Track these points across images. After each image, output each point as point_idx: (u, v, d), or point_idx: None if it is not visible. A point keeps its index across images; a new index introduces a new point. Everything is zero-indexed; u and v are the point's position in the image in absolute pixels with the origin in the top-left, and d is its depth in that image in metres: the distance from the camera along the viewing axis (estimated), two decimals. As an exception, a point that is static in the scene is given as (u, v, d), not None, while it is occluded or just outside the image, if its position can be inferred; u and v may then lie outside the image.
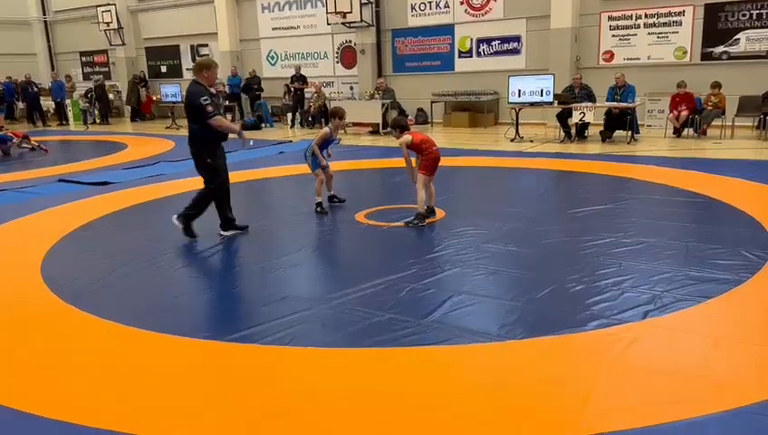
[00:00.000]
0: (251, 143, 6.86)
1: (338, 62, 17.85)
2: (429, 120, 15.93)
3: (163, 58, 21.61)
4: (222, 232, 5.88)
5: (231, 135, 5.78)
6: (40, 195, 8.00)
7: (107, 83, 21.33)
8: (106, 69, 23.17)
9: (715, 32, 12.55)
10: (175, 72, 21.31)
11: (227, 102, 17.64)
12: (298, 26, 18.22)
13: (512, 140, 12.07)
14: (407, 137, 6.20)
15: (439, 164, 6.29)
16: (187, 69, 21.05)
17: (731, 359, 3.16)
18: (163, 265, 5.09)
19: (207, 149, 5.62)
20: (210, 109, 5.36)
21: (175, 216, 5.78)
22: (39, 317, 4.08)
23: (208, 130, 5.50)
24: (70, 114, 20.29)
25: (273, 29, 18.76)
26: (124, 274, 4.86)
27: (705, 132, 11.51)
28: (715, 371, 3.03)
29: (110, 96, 21.24)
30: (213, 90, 5.68)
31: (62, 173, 9.68)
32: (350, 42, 17.27)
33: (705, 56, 12.75)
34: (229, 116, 16.72)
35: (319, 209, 6.70)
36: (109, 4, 21.06)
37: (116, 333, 3.75)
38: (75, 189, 8.44)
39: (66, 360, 3.45)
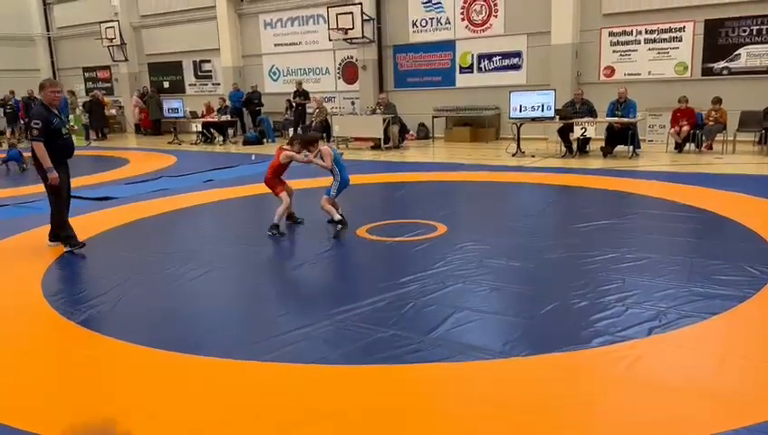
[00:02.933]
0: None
1: (339, 78, 17.94)
2: (431, 135, 15.98)
3: (166, 73, 21.74)
4: (49, 242, 6.11)
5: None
6: (42, 210, 7.97)
7: (109, 99, 21.38)
8: (109, 84, 23.31)
9: (716, 47, 12.61)
10: (178, 87, 21.43)
11: (230, 117, 17.71)
12: (300, 42, 18.35)
13: (513, 155, 12.08)
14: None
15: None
16: (190, 84, 21.21)
17: (738, 376, 3.12)
18: (164, 281, 5.06)
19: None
20: (35, 133, 5.59)
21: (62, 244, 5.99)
22: (38, 332, 4.05)
23: (49, 148, 5.67)
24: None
25: (275, 45, 18.88)
26: (124, 290, 4.83)
27: (710, 147, 11.51)
28: (723, 388, 2.99)
29: (113, 111, 21.29)
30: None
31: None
32: (352, 57, 17.36)
33: (706, 72, 12.79)
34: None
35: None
36: (112, 21, 21.22)
37: (115, 350, 3.71)
38: (77, 205, 8.36)
39: (62, 375, 3.42)
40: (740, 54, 12.41)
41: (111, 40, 21.39)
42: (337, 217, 6.37)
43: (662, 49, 13.21)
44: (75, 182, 8.39)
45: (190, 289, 4.91)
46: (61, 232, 6.03)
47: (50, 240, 6.16)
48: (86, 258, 5.85)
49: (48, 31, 24.42)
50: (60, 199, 5.97)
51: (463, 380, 3.22)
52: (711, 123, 11.46)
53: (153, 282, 5.07)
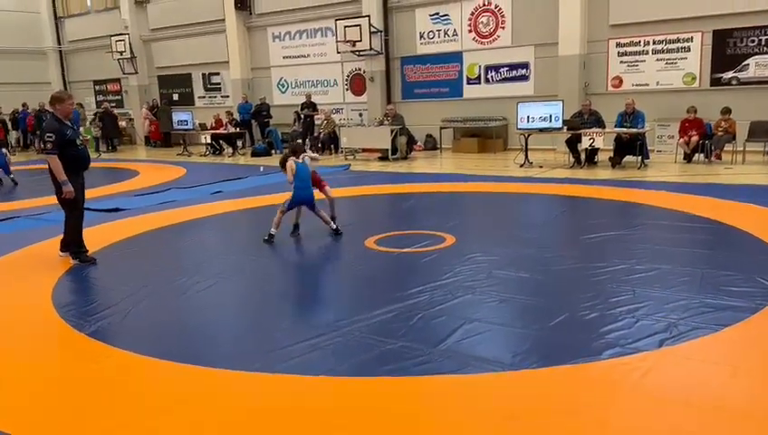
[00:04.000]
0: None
1: (347, 90, 18.02)
2: (438, 146, 16.00)
3: (175, 86, 21.92)
4: (60, 253, 6.12)
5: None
6: (52, 222, 8.01)
7: (118, 111, 21.56)
8: (119, 97, 23.52)
9: (724, 57, 12.58)
10: (187, 99, 21.59)
11: (238, 129, 17.83)
12: (308, 55, 18.46)
13: (521, 166, 12.07)
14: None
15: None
16: (200, 96, 21.37)
17: (751, 388, 3.09)
18: (173, 293, 5.08)
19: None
20: (49, 146, 5.60)
21: (71, 257, 6.05)
22: (48, 343, 4.07)
23: (64, 160, 5.70)
24: (82, 142, 20.53)
25: (283, 57, 19.01)
26: (134, 301, 4.85)
27: (719, 157, 11.44)
28: (735, 401, 2.96)
29: (123, 123, 21.46)
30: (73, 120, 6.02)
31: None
32: (360, 69, 17.45)
33: (715, 82, 12.76)
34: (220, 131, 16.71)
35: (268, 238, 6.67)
36: (122, 34, 21.46)
37: (124, 361, 3.72)
38: (87, 216, 8.47)
39: (71, 386, 3.43)
40: (748, 65, 12.37)
41: (122, 53, 21.62)
42: (273, 230, 6.60)
43: (670, 59, 13.20)
44: (87, 194, 8.49)
45: (199, 300, 4.92)
46: (72, 245, 6.07)
47: (61, 251, 6.19)
48: (96, 270, 5.88)
49: (59, 44, 24.71)
50: (75, 212, 6.00)
51: (472, 392, 3.20)
52: (720, 133, 11.42)
53: (162, 293, 5.08)
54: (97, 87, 24.28)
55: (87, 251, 6.11)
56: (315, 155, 7.13)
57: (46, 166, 5.88)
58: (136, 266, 6.02)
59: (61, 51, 24.79)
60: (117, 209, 8.86)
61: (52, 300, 4.92)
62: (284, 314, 4.51)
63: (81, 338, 4.10)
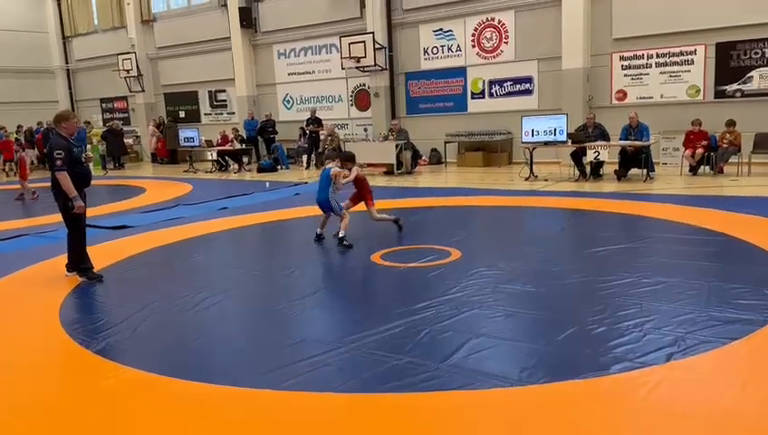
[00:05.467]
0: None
1: (352, 105, 18.12)
2: (443, 161, 16.03)
3: (182, 103, 22.09)
4: (67, 272, 6.17)
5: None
6: (59, 240, 8.06)
7: (125, 129, 21.70)
8: (126, 114, 23.71)
9: (728, 70, 12.60)
10: (193, 116, 21.75)
11: (244, 146, 17.93)
12: (313, 71, 18.60)
13: (526, 179, 12.08)
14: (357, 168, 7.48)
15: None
16: (206, 114, 21.53)
17: (761, 402, 3.06)
18: (181, 309, 5.09)
19: (66, 196, 5.82)
20: (59, 163, 5.68)
21: (78, 275, 6.11)
22: (56, 361, 4.08)
23: (69, 177, 5.76)
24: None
25: (288, 74, 19.16)
26: (141, 318, 4.86)
27: (721, 170, 11.43)
28: (745, 415, 2.94)
29: (129, 141, 21.60)
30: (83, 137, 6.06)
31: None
32: (365, 85, 17.55)
33: (719, 94, 12.77)
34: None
35: (346, 243, 6.96)
36: (129, 53, 21.70)
37: (132, 378, 3.73)
38: (94, 234, 8.48)
39: (79, 403, 3.44)
40: (752, 77, 12.39)
41: (128, 71, 21.84)
42: (341, 233, 7.03)
43: (674, 72, 13.22)
44: (93, 211, 8.55)
45: (205, 317, 4.93)
46: (79, 263, 6.11)
47: (67, 271, 6.21)
48: (103, 287, 5.90)
49: (67, 63, 24.98)
50: (78, 229, 6.06)
51: (480, 408, 3.19)
52: (725, 146, 11.41)
53: (169, 310, 5.09)
54: (104, 105, 24.49)
55: (93, 268, 6.15)
56: (346, 171, 7.36)
57: (50, 183, 5.94)
58: (143, 283, 6.04)
59: (68, 69, 25.05)
60: (124, 227, 8.91)
61: (60, 317, 4.93)
62: (291, 330, 4.51)
63: (89, 355, 4.11)
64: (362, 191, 7.57)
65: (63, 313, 5.07)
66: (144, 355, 4.12)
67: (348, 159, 7.54)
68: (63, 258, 6.33)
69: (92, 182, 6.29)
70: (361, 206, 7.58)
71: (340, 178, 7.19)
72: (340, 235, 6.97)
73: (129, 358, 4.02)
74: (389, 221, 7.65)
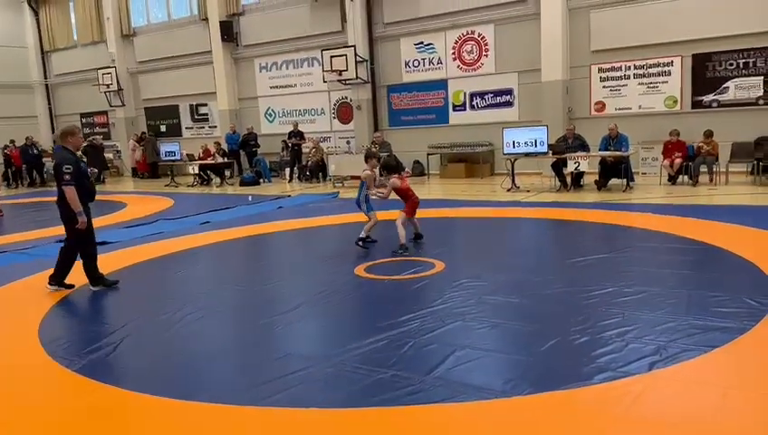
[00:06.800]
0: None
1: (334, 118, 18.16)
2: (426, 172, 16.10)
3: (163, 117, 21.98)
4: (92, 287, 6.16)
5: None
6: (38, 256, 7.97)
7: (106, 143, 21.51)
8: (106, 129, 23.53)
9: (705, 81, 12.84)
10: (175, 130, 21.64)
11: (226, 159, 17.85)
12: (295, 84, 18.63)
13: (508, 190, 12.17)
14: (395, 181, 7.14)
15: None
16: (187, 127, 21.44)
17: (742, 410, 3.10)
18: (161, 326, 5.03)
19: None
20: (67, 177, 5.81)
21: (91, 285, 6.17)
22: (35, 380, 4.01)
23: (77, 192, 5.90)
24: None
25: (270, 87, 19.17)
26: (122, 335, 4.80)
27: (696, 182, 11.50)
28: (727, 422, 2.97)
29: (110, 156, 21.42)
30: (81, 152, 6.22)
31: (61, 234, 9.66)
32: (347, 98, 17.61)
33: (696, 104, 13.00)
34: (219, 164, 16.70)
35: (361, 244, 7.25)
36: (109, 67, 21.57)
37: (113, 397, 3.67)
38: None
39: (59, 424, 3.38)
40: (728, 87, 12.63)
41: (108, 86, 21.70)
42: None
43: (651, 83, 13.45)
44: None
45: (188, 333, 4.88)
46: (95, 273, 6.20)
47: (49, 283, 6.15)
48: (83, 304, 5.82)
49: (46, 78, 24.76)
50: (83, 243, 6.11)
51: (464, 421, 3.19)
52: (704, 154, 11.53)
53: (151, 327, 5.03)
54: (84, 120, 24.28)
55: (103, 276, 6.27)
56: (376, 174, 7.47)
57: (56, 198, 6.06)
58: (124, 300, 5.97)
59: (47, 84, 24.83)
60: (104, 243, 8.78)
61: (39, 335, 4.85)
62: (275, 345, 4.48)
63: (69, 374, 4.05)
64: (406, 202, 7.36)
65: (43, 331, 4.99)
66: (126, 373, 4.06)
67: (384, 166, 7.33)
68: (44, 275, 6.25)
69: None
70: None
71: (370, 181, 7.21)
72: (361, 234, 7.22)
73: (111, 376, 3.96)
74: (400, 241, 7.10)
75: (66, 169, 5.79)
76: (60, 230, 9.78)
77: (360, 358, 4.00)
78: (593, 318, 4.50)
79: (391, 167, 7.21)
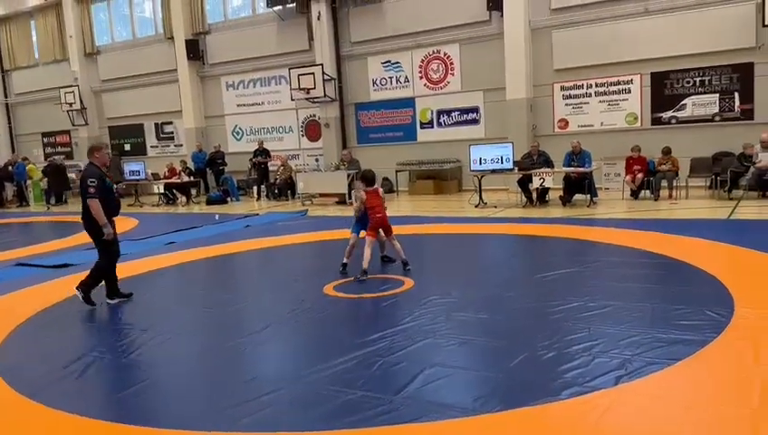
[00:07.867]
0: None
1: (303, 136, 18.16)
2: (395, 189, 16.17)
3: (127, 136, 21.68)
4: (108, 300, 6.37)
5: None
6: (7, 278, 7.74)
7: (68, 163, 21.08)
8: (68, 149, 23.08)
9: (663, 98, 13.24)
10: (139, 149, 21.35)
11: (192, 178, 17.65)
12: (263, 102, 18.60)
13: (476, 206, 12.29)
14: (362, 194, 7.00)
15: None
16: (152, 146, 21.17)
17: (702, 424, 3.15)
18: (125, 351, 4.91)
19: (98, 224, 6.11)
20: (92, 190, 5.99)
21: (107, 299, 6.35)
22: (-8, 412, 3.87)
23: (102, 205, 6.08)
24: (30, 195, 20.02)
25: (237, 105, 19.10)
26: (85, 362, 4.67)
27: (657, 197, 11.76)
28: (690, 435, 3.02)
29: (73, 175, 20.98)
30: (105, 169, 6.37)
31: (21, 256, 9.43)
32: (315, 116, 17.64)
33: (656, 121, 13.38)
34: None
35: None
36: (72, 86, 21.22)
37: (74, 426, 3.56)
38: (34, 273, 8.21)
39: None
40: (686, 104, 13.04)
41: (71, 105, 21.34)
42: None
43: (612, 101, 13.80)
44: (32, 250, 8.22)
45: (152, 357, 4.77)
46: (107, 283, 6.39)
47: (107, 298, 6.40)
48: (44, 330, 5.66)
49: (6, 97, 24.23)
50: (110, 254, 6.33)
51: (435, 440, 3.18)
52: (664, 169, 11.82)
53: (114, 352, 4.91)
54: (45, 139, 23.80)
55: (118, 289, 6.48)
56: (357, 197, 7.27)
57: (80, 212, 6.21)
58: (86, 324, 5.82)
59: (7, 103, 24.29)
60: (66, 265, 8.58)
61: (-4, 363, 4.70)
62: (242, 368, 4.41)
63: (30, 404, 3.91)
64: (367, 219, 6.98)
65: (0, 356, 4.83)
66: (89, 401, 3.95)
67: (361, 177, 7.20)
68: (6, 298, 6.06)
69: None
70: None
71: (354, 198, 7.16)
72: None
73: (73, 404, 3.83)
74: (364, 265, 6.73)
75: (91, 182, 5.98)
76: (17, 254, 9.58)
77: (329, 379, 3.96)
78: (560, 333, 4.55)
79: (367, 179, 7.07)
